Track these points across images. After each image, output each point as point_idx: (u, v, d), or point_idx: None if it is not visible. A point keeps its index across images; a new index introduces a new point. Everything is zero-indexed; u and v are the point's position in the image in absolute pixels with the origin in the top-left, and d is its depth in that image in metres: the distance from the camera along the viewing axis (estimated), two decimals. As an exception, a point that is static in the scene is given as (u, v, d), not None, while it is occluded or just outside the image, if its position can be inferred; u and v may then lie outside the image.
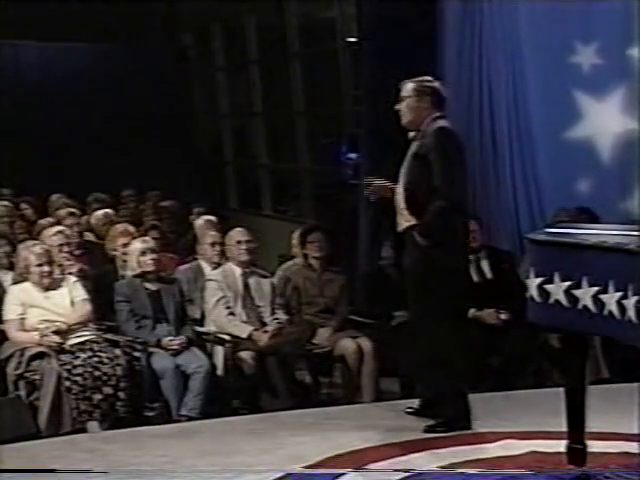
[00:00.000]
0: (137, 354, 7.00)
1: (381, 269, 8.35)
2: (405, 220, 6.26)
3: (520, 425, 6.22)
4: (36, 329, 6.92)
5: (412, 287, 6.28)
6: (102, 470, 5.62)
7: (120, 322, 7.33)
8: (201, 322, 7.66)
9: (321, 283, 7.91)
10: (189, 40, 16.01)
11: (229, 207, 14.92)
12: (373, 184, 6.45)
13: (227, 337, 7.39)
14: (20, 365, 6.74)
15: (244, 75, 14.78)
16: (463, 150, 6.40)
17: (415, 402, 6.57)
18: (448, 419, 6.16)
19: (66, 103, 14.07)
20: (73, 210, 9.53)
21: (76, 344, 6.90)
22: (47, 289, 7.07)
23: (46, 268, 7.04)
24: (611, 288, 4.48)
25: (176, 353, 7.14)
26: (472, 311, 7.59)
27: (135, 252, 7.53)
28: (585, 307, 4.63)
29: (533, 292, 4.92)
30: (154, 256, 7.49)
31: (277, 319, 7.59)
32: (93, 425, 6.67)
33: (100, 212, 9.78)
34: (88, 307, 7.16)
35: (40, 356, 6.74)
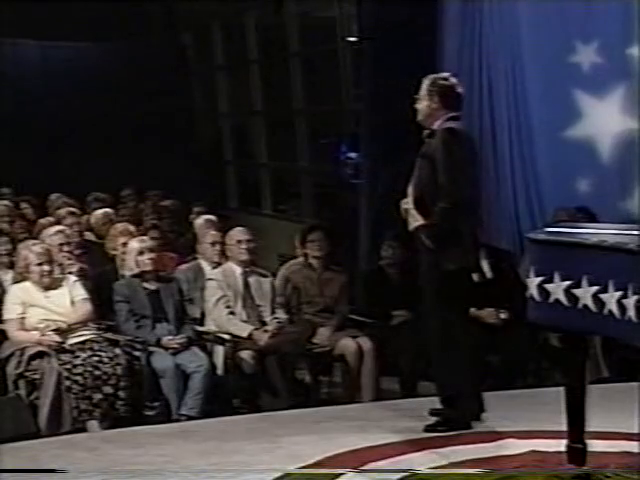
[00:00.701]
0: (137, 353, 7.01)
1: (381, 269, 8.35)
2: (414, 220, 6.26)
3: (520, 424, 6.22)
4: (36, 328, 6.92)
5: (423, 288, 6.29)
6: (102, 470, 5.61)
7: (120, 322, 7.33)
8: (201, 321, 7.66)
9: (321, 282, 7.92)
10: (189, 40, 16.00)
11: (229, 206, 14.91)
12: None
13: (227, 336, 7.40)
14: (20, 364, 6.75)
15: (244, 74, 14.77)
16: (472, 151, 6.39)
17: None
18: (450, 418, 6.16)
19: (66, 103, 14.06)
20: (73, 209, 9.53)
21: (76, 343, 6.90)
22: (47, 288, 7.07)
23: (46, 267, 7.05)
24: (611, 287, 4.48)
25: (176, 352, 7.15)
26: (472, 310, 7.58)
27: (133, 252, 7.53)
28: (585, 306, 4.63)
29: (533, 291, 4.91)
30: (152, 255, 7.49)
31: (277, 318, 7.59)
32: (93, 424, 6.68)
33: (100, 211, 9.78)
34: (88, 306, 7.16)
35: (40, 355, 6.75)
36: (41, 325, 6.93)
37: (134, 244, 7.59)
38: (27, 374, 6.74)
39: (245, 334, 7.39)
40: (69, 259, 7.69)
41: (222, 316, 7.52)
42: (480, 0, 8.94)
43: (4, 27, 13.40)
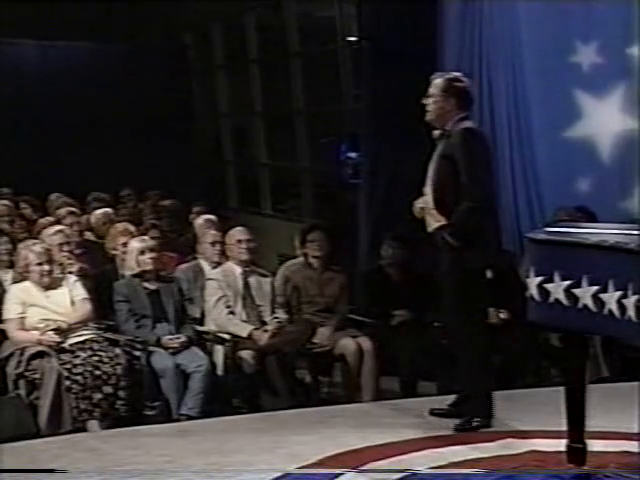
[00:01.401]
0: (137, 353, 7.01)
1: (381, 269, 8.35)
2: (435, 220, 6.25)
3: (520, 424, 6.23)
4: (36, 328, 6.92)
5: (445, 288, 6.29)
6: (102, 469, 5.61)
7: (120, 322, 7.33)
8: (201, 321, 7.66)
9: (321, 282, 7.92)
10: (189, 39, 16.01)
11: (229, 206, 14.91)
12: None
13: (227, 336, 7.40)
14: (20, 364, 6.74)
15: (244, 74, 14.77)
16: (489, 151, 6.44)
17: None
18: (481, 416, 6.18)
19: (66, 103, 14.06)
20: (73, 209, 9.54)
21: (76, 343, 6.90)
22: (47, 288, 7.07)
23: (46, 267, 7.05)
24: (611, 287, 4.48)
25: (176, 352, 7.15)
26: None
27: (134, 251, 7.53)
28: (585, 306, 4.63)
29: (533, 291, 4.92)
30: (153, 255, 7.49)
31: (277, 318, 7.59)
32: (93, 424, 6.68)
33: (100, 211, 9.78)
34: (88, 306, 7.16)
35: (40, 355, 6.75)
36: (41, 325, 6.93)
37: (135, 244, 7.59)
38: (27, 374, 6.74)
39: (245, 334, 7.40)
40: (69, 259, 7.69)
41: (222, 316, 7.52)
42: (480, 0, 8.93)
43: (4, 27, 13.39)
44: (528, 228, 8.13)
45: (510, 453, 5.65)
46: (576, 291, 4.67)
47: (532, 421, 6.26)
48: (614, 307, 4.46)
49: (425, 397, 7.31)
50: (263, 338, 7.37)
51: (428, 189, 6.30)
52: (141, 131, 14.19)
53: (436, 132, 6.33)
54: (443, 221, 6.19)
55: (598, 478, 4.99)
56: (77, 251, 8.07)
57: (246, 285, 7.64)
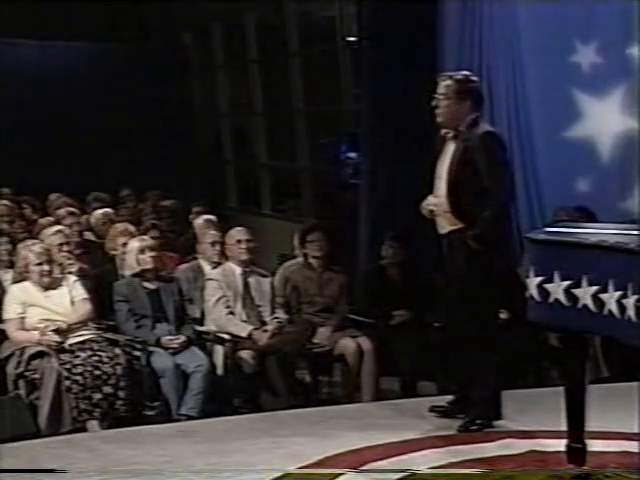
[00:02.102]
0: (137, 353, 7.00)
1: (381, 269, 8.35)
2: (450, 223, 6.19)
3: (520, 424, 6.23)
4: (36, 328, 6.91)
5: (462, 290, 6.22)
6: (102, 469, 5.61)
7: (119, 322, 7.33)
8: (201, 321, 7.66)
9: (321, 282, 7.91)
10: (189, 39, 16.01)
11: (229, 206, 14.92)
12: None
13: (227, 336, 7.40)
14: (20, 364, 6.74)
15: (244, 74, 14.78)
16: (507, 153, 6.42)
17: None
18: (487, 418, 6.18)
19: (66, 103, 14.07)
20: (73, 209, 9.53)
21: (76, 343, 6.90)
22: (47, 288, 7.07)
23: (46, 267, 7.04)
24: (611, 287, 4.48)
25: (176, 352, 7.14)
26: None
27: (134, 250, 7.53)
28: (585, 306, 4.63)
29: (533, 291, 4.92)
30: (153, 254, 7.49)
31: (277, 318, 7.59)
32: (93, 424, 6.67)
33: (100, 211, 9.78)
34: (88, 306, 7.16)
35: (40, 355, 6.74)
36: (41, 325, 6.92)
37: (135, 243, 7.59)
38: (27, 374, 6.73)
39: (245, 334, 7.39)
40: (69, 259, 7.69)
41: (222, 316, 7.52)
42: (480, 0, 8.93)
43: (4, 27, 13.40)
44: (528, 228, 8.13)
45: (510, 453, 5.65)
46: (576, 291, 4.67)
47: (532, 421, 6.26)
48: (614, 307, 4.46)
49: (425, 397, 7.30)
50: (263, 338, 7.36)
51: (441, 191, 6.22)
52: (141, 131, 14.20)
53: (447, 133, 6.24)
54: (459, 224, 6.14)
55: (598, 478, 4.99)
56: (77, 251, 8.07)
57: (246, 285, 7.64)
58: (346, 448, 5.83)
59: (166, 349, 7.15)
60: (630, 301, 4.37)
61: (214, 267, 7.87)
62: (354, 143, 10.82)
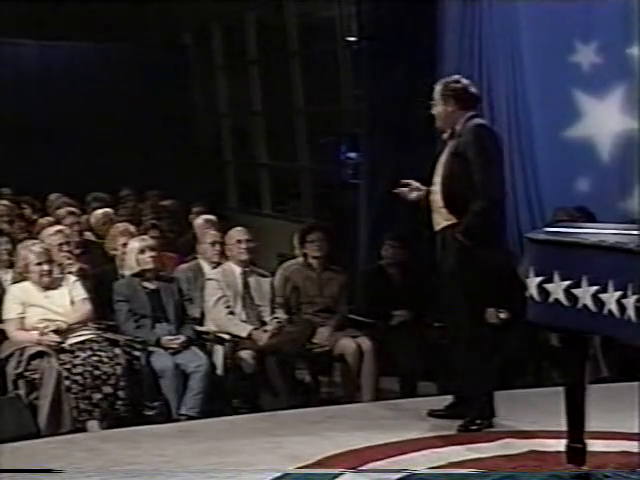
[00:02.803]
0: (137, 353, 7.01)
1: (381, 268, 8.35)
2: (444, 219, 6.22)
3: (519, 424, 6.23)
4: (36, 328, 6.92)
5: (453, 286, 6.24)
6: (102, 469, 5.61)
7: (119, 322, 7.33)
8: (201, 321, 7.66)
9: (321, 282, 7.92)
10: (189, 39, 16.01)
11: (229, 206, 14.92)
12: (410, 186, 6.39)
13: (227, 336, 7.40)
14: (20, 364, 6.74)
15: (244, 74, 14.77)
16: (501, 148, 6.43)
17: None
18: (483, 417, 6.18)
19: (66, 103, 14.06)
20: (73, 209, 9.53)
21: (76, 343, 6.90)
22: (47, 288, 7.07)
23: (46, 267, 7.04)
24: (611, 287, 4.48)
25: (176, 352, 7.15)
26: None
27: (134, 250, 7.53)
28: (585, 306, 4.63)
29: (533, 291, 4.92)
30: (153, 253, 7.49)
31: (277, 318, 7.59)
32: (93, 424, 6.67)
33: (100, 211, 9.78)
34: (88, 306, 7.16)
35: (40, 355, 6.74)
36: (41, 325, 6.92)
37: (135, 242, 7.60)
38: (27, 374, 6.74)
39: (245, 334, 7.39)
40: (69, 259, 7.69)
41: (222, 316, 7.52)
42: (480, 0, 8.93)
43: (4, 27, 13.40)
44: (528, 228, 8.13)
45: (510, 453, 5.65)
46: (576, 291, 4.67)
47: (532, 421, 6.26)
48: (614, 307, 4.46)
49: (425, 397, 7.31)
50: (263, 338, 7.36)
51: (436, 187, 6.27)
52: (141, 131, 14.19)
53: (445, 134, 6.32)
54: (453, 219, 6.16)
55: (598, 478, 4.99)
56: (77, 251, 8.07)
57: (246, 285, 7.64)
58: (346, 448, 5.83)
59: (166, 349, 7.15)
60: (630, 301, 4.37)
61: (214, 267, 7.88)
62: (354, 143, 10.80)
